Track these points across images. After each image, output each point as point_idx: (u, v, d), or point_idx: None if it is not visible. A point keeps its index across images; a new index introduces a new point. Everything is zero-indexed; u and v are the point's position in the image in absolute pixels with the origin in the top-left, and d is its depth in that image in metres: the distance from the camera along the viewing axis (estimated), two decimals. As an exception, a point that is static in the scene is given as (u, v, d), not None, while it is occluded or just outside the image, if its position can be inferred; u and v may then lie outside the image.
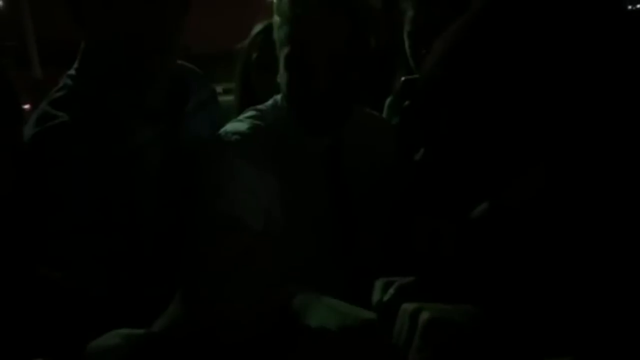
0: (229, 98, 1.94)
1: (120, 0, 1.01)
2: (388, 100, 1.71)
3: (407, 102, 1.37)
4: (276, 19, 1.14)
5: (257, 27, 1.82)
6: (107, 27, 1.04)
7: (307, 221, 1.14)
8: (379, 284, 0.92)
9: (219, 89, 1.77)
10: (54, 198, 0.99)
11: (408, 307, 0.77)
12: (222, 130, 1.18)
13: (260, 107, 1.24)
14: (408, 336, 0.76)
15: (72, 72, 1.13)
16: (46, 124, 1.03)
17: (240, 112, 1.43)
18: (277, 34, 1.16)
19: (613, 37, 0.69)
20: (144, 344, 0.71)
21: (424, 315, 0.75)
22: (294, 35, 1.11)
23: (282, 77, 1.16)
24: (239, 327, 0.73)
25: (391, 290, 0.88)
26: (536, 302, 0.72)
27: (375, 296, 0.90)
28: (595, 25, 0.69)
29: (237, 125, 1.20)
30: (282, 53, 1.14)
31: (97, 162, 1.03)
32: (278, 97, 1.23)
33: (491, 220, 0.78)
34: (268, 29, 1.64)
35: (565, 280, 0.70)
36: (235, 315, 0.73)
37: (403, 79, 1.43)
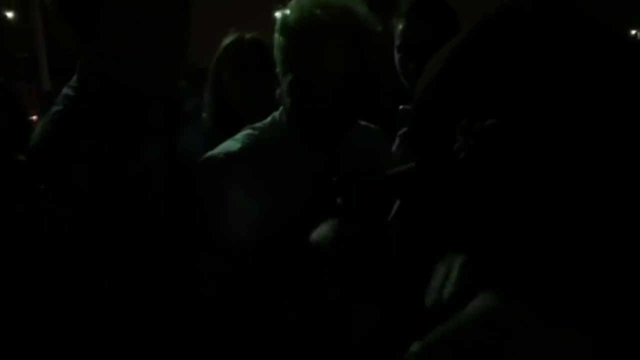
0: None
1: (147, 14, 0.98)
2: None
3: (404, 129, 1.30)
4: (278, 38, 1.08)
5: (226, 40, 1.72)
6: (130, 40, 0.99)
7: (305, 235, 1.10)
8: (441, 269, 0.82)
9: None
10: (59, 220, 0.95)
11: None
12: (215, 150, 1.13)
13: (257, 125, 1.18)
14: None
15: (69, 91, 1.06)
16: (50, 145, 0.97)
17: (214, 128, 1.47)
18: (278, 55, 1.09)
19: (593, 67, 0.69)
20: None
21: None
22: (298, 60, 1.05)
23: (285, 100, 1.11)
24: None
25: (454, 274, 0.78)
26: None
27: (448, 288, 0.79)
28: (577, 56, 0.70)
29: (230, 144, 1.14)
30: (286, 78, 1.09)
31: (105, 184, 0.98)
32: (276, 114, 1.18)
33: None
34: (238, 42, 1.70)
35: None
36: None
37: (401, 107, 1.34)
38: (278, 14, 1.12)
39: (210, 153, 1.14)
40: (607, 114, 0.71)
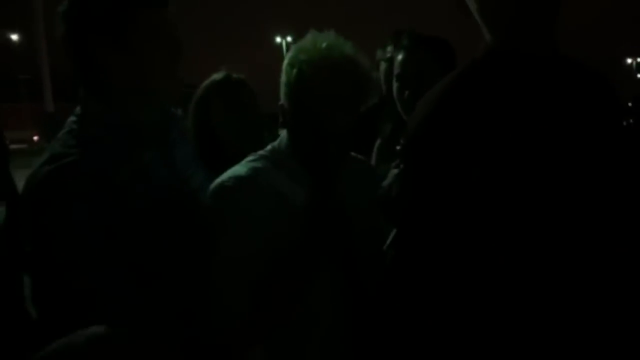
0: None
1: (171, 22, 1.10)
2: (377, 144, 1.76)
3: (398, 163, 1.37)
4: (289, 72, 1.17)
5: (218, 75, 1.82)
6: (159, 48, 1.09)
7: (305, 251, 1.17)
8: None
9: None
10: (69, 234, 1.00)
11: None
12: (223, 176, 1.21)
13: (259, 152, 1.27)
14: None
15: (73, 118, 1.13)
16: (59, 162, 1.04)
17: (195, 152, 1.50)
18: (286, 88, 1.18)
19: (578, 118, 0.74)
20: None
21: None
22: (306, 96, 1.14)
23: (295, 137, 1.22)
24: None
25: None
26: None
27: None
28: (561, 96, 0.74)
29: (237, 169, 1.22)
30: (291, 110, 1.19)
31: (110, 197, 1.04)
32: (275, 143, 1.27)
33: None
34: (227, 78, 1.81)
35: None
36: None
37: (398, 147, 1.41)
38: (279, 39, 1.24)
39: (219, 179, 1.22)
40: (593, 156, 0.76)
